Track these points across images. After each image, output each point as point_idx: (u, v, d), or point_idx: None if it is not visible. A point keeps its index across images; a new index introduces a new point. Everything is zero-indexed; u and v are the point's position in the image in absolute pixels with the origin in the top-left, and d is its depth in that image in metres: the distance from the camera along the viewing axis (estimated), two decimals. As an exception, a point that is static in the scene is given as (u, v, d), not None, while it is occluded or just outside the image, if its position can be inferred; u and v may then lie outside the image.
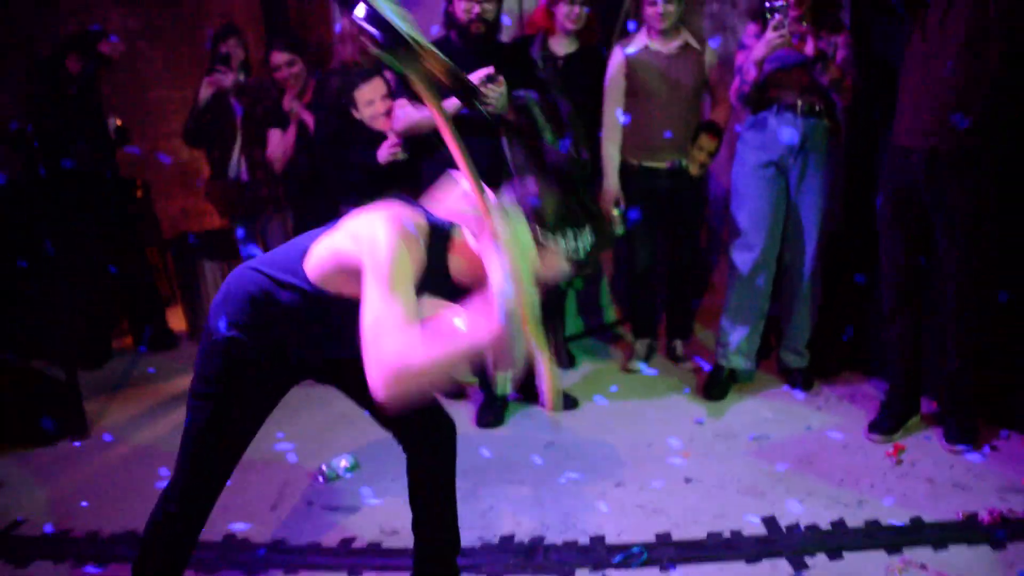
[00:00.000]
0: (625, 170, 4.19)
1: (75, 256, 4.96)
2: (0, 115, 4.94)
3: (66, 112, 4.76)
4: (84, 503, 3.53)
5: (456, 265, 2.10)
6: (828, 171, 3.86)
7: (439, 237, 2.07)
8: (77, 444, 4.10)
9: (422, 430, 2.43)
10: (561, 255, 2.02)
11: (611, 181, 4.17)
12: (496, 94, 3.45)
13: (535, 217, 2.00)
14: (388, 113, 3.96)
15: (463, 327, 1.81)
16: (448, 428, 2.49)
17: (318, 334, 2.23)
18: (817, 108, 3.77)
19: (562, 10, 4.08)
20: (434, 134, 3.64)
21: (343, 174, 4.09)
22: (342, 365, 2.36)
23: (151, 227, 5.78)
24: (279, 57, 4.45)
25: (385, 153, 3.90)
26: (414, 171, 3.94)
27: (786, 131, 3.77)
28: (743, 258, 3.95)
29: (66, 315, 4.39)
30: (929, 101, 3.18)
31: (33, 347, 4.26)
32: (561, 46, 4.16)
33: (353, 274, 1.97)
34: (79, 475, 3.80)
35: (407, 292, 1.88)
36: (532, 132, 3.58)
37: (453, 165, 3.49)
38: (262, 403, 2.33)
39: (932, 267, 3.40)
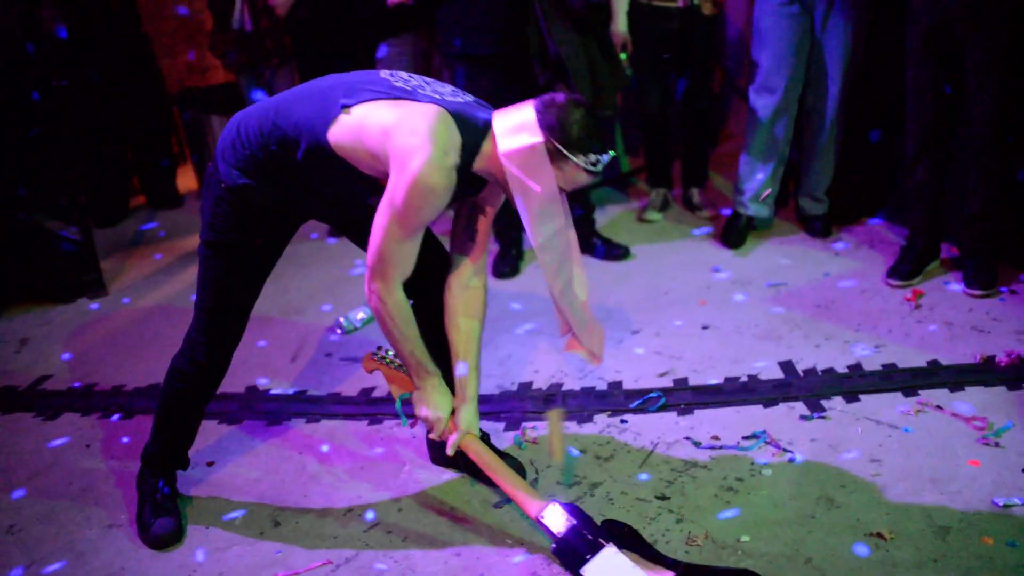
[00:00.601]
0: (635, 10, 4.04)
1: (86, 110, 4.89)
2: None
3: None
4: (106, 358, 3.58)
5: (480, 165, 2.10)
6: (855, 9, 3.70)
7: (469, 152, 2.06)
8: (95, 305, 4.13)
9: (424, 274, 2.39)
10: (582, 169, 2.04)
11: (619, 23, 4.03)
12: None
13: (560, 133, 2.01)
14: None
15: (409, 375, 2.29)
16: (446, 269, 2.41)
17: (328, 192, 2.22)
18: None
19: None
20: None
21: (349, 19, 3.96)
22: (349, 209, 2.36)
23: (156, 82, 5.65)
24: None
25: None
26: (424, 16, 3.80)
27: None
28: (764, 101, 3.84)
29: (79, 173, 4.34)
30: None
31: (49, 206, 4.23)
32: None
33: (376, 159, 2.04)
34: (100, 332, 3.85)
35: (417, 232, 2.05)
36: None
37: (464, 12, 3.37)
38: (271, 247, 2.33)
39: (958, 106, 3.29)
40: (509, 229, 3.99)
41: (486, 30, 3.55)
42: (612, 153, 2.11)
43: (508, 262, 3.97)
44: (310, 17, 4.32)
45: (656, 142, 4.42)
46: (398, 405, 2.40)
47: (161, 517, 2.45)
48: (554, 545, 2.13)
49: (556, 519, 2.12)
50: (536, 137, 2.02)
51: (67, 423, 3.13)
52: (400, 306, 2.14)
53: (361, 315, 3.63)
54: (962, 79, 3.21)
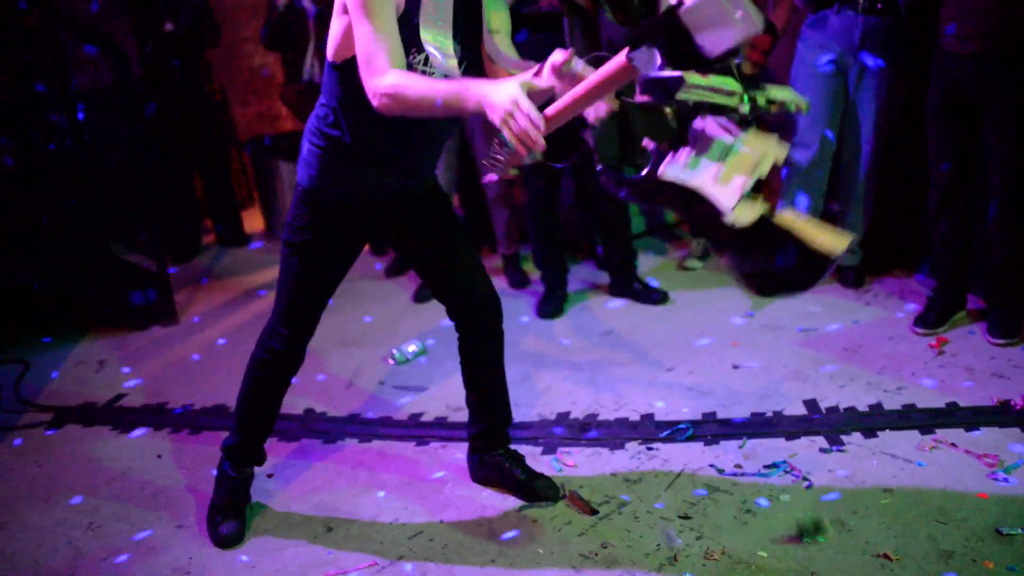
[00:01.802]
0: None
1: (163, 154, 5.26)
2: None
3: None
4: (177, 380, 3.87)
5: None
6: (889, 69, 3.90)
7: None
8: (167, 330, 4.44)
9: (470, 308, 2.66)
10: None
11: None
12: None
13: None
14: None
15: (455, 88, 2.00)
16: (494, 308, 2.68)
17: (382, 150, 2.34)
18: (878, 6, 3.80)
19: None
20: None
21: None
22: (411, 226, 2.55)
23: (229, 130, 6.04)
24: None
25: None
26: None
27: (846, 28, 3.82)
28: (800, 156, 4.04)
29: (158, 211, 4.68)
30: (972, 6, 3.23)
31: (129, 240, 4.59)
32: None
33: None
34: (171, 357, 4.14)
35: (383, 13, 2.07)
36: (593, 11, 3.70)
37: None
38: (344, 249, 2.53)
39: (980, 165, 3.47)
40: (555, 271, 4.22)
41: None
42: None
43: (553, 303, 4.19)
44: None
45: (697, 194, 4.63)
46: None
47: (229, 519, 2.70)
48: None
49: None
50: None
51: (141, 437, 3.41)
52: (403, 78, 2.05)
53: (412, 347, 3.88)
54: (981, 136, 3.40)
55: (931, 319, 3.67)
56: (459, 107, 2.02)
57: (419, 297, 4.49)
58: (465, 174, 4.81)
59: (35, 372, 4.08)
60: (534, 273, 4.52)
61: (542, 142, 1.96)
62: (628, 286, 4.27)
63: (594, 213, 4.25)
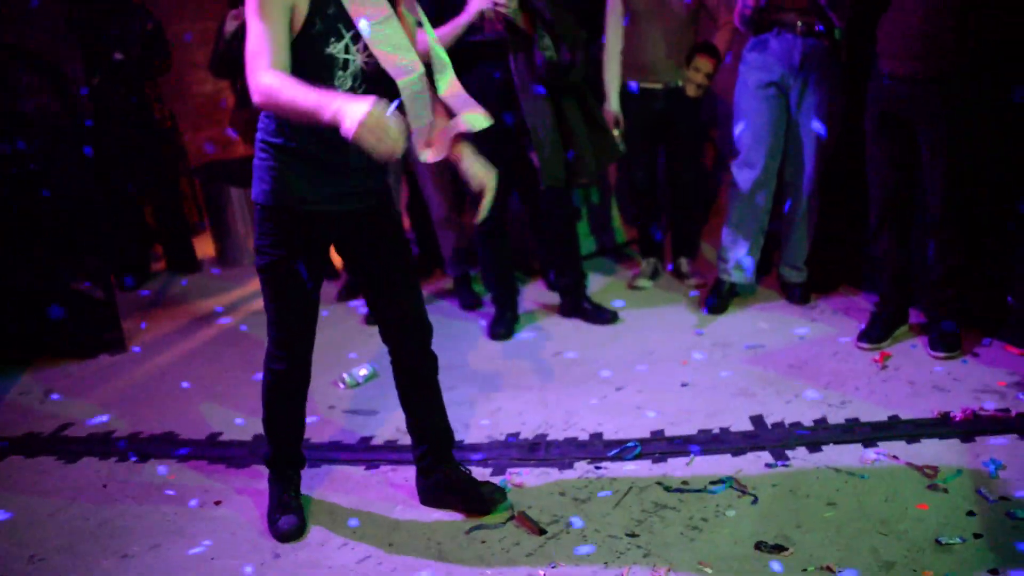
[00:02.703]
0: (623, 91, 4.37)
1: (111, 180, 5.22)
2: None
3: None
4: (124, 409, 3.82)
5: None
6: (828, 90, 3.99)
7: None
8: (115, 358, 4.39)
9: (400, 330, 2.72)
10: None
11: (612, 102, 4.36)
12: (510, 3, 3.69)
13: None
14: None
15: (319, 100, 2.15)
16: (422, 331, 2.73)
17: (312, 170, 2.44)
18: (817, 28, 3.89)
19: None
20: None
21: None
22: (360, 241, 2.61)
23: (179, 156, 5.99)
24: None
25: None
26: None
27: (786, 51, 3.90)
28: (744, 176, 4.11)
29: (105, 238, 4.63)
30: (905, 30, 3.33)
31: (75, 267, 4.52)
32: None
33: None
34: (119, 385, 4.09)
35: (273, 22, 2.22)
36: (530, 43, 3.77)
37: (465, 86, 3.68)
38: (310, 262, 2.55)
39: (916, 181, 3.56)
40: (505, 293, 4.24)
41: (482, 107, 3.86)
42: None
43: (504, 324, 4.21)
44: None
45: (647, 213, 4.69)
46: None
47: (288, 514, 2.79)
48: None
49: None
50: None
51: (86, 466, 3.36)
52: (277, 78, 2.20)
53: (363, 371, 3.87)
54: (917, 153, 3.49)
55: (875, 334, 3.74)
56: (317, 118, 2.16)
57: (370, 320, 4.48)
58: (413, 195, 4.83)
59: (-22, 403, 4.02)
60: (485, 295, 4.54)
61: (398, 152, 2.13)
62: (578, 306, 4.30)
63: (543, 234, 4.28)
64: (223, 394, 3.86)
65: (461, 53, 3.84)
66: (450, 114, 2.52)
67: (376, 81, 2.39)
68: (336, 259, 5.15)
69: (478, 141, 3.91)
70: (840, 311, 4.14)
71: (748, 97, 4.07)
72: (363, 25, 2.31)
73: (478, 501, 2.80)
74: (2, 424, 3.80)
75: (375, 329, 4.33)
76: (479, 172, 2.58)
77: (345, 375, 3.85)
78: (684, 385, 3.56)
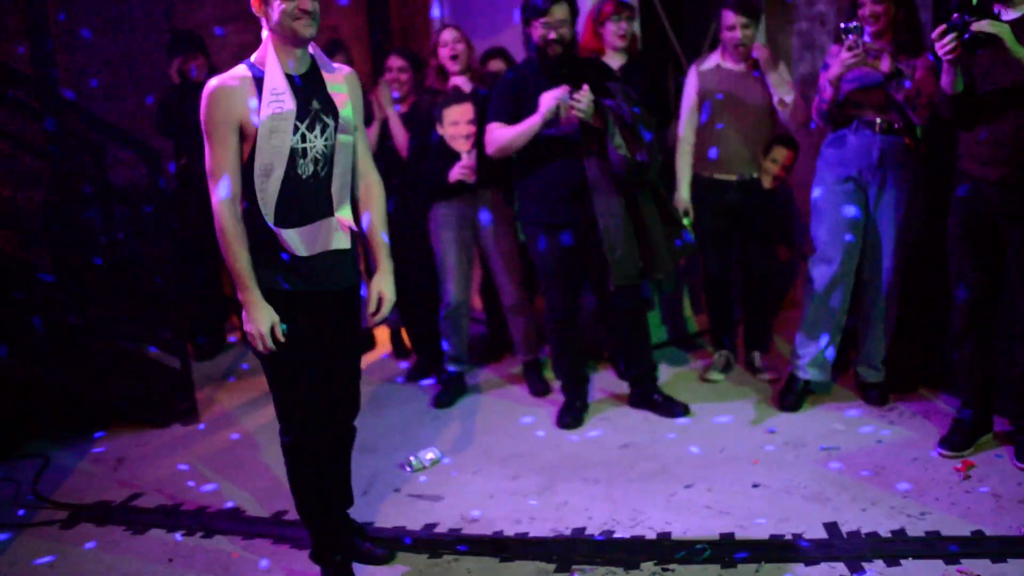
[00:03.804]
0: (696, 182, 4.40)
1: (191, 252, 5.37)
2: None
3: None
4: (192, 482, 3.86)
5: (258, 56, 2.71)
6: (907, 188, 3.94)
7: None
8: (187, 428, 4.46)
9: (335, 404, 2.93)
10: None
11: (682, 192, 4.38)
12: (584, 103, 3.72)
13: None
14: (468, 137, 4.22)
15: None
16: (350, 409, 3.00)
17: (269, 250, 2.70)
18: (896, 126, 3.86)
19: (610, 28, 4.41)
20: (519, 157, 3.96)
21: (418, 180, 4.39)
22: (327, 319, 2.83)
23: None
24: (396, 61, 4.71)
25: (456, 174, 4.21)
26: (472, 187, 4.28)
27: (864, 148, 3.88)
28: (820, 272, 4.06)
29: (183, 307, 4.74)
30: (995, 136, 3.28)
31: (153, 336, 4.65)
32: (614, 61, 4.38)
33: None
34: (189, 456, 4.14)
35: (219, 143, 2.60)
36: (603, 139, 3.82)
37: (540, 184, 3.85)
38: (302, 337, 2.75)
39: (1003, 286, 3.47)
40: (575, 382, 4.22)
41: (558, 201, 3.94)
42: None
43: (572, 414, 4.17)
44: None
45: (719, 305, 4.65)
46: None
47: None
48: None
49: None
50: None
51: (153, 538, 3.39)
52: (225, 219, 2.60)
53: (430, 455, 3.86)
54: (1002, 258, 3.40)
55: (956, 441, 3.61)
56: (236, 283, 2.64)
57: (438, 403, 4.49)
58: (485, 279, 4.86)
59: (54, 467, 4.10)
60: (555, 380, 4.51)
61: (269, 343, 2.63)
62: (648, 397, 4.25)
63: (614, 324, 4.27)
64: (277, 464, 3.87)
65: (535, 147, 3.91)
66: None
67: (332, 159, 2.73)
68: (406, 338, 5.20)
69: (550, 234, 3.99)
70: (920, 414, 4.01)
71: (825, 192, 4.04)
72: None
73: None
74: (75, 490, 3.88)
75: (444, 412, 4.41)
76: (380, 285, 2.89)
77: (412, 458, 3.85)
78: (755, 486, 3.47)
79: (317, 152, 2.69)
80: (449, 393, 4.53)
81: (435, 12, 4.37)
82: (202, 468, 4.00)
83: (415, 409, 4.49)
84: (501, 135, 3.95)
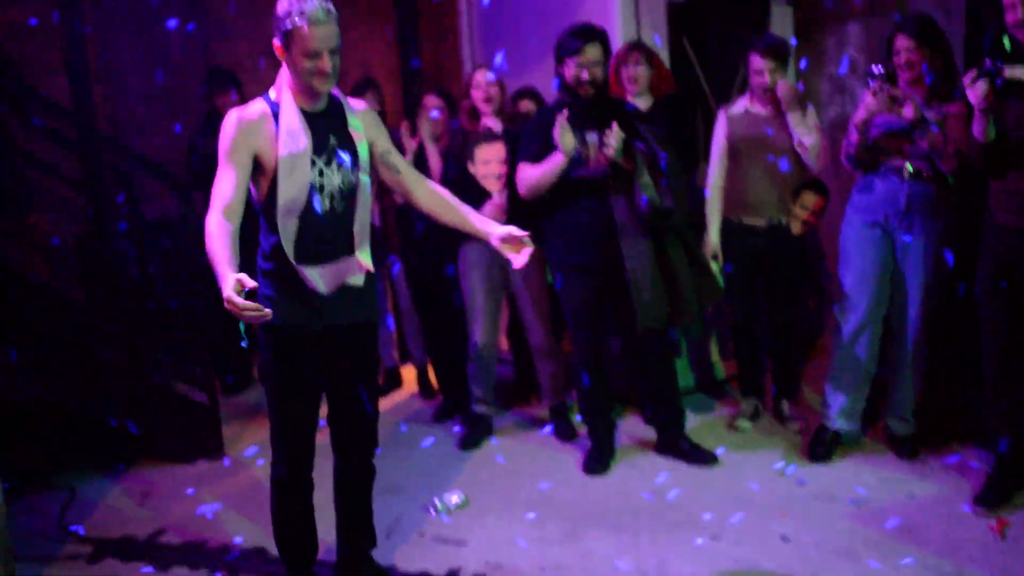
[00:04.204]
0: (725, 226, 4.39)
1: (218, 289, 5.39)
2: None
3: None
4: (218, 518, 3.86)
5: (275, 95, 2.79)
6: (935, 236, 3.90)
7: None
8: (212, 464, 4.46)
9: (352, 441, 3.01)
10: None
11: (711, 236, 4.38)
12: (614, 143, 3.74)
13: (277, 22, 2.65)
14: (499, 177, 4.24)
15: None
16: (367, 445, 3.04)
17: (288, 285, 2.77)
18: (924, 173, 3.84)
19: (623, 73, 4.46)
20: (547, 197, 3.97)
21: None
22: (338, 357, 2.90)
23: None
24: (432, 100, 4.75)
25: (486, 214, 4.21)
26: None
27: (891, 194, 3.86)
28: (846, 319, 4.03)
29: (212, 342, 4.76)
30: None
31: (181, 370, 4.67)
32: (640, 103, 4.40)
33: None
34: (215, 493, 4.14)
35: (230, 169, 2.63)
36: (632, 181, 3.81)
37: (565, 225, 3.86)
38: (303, 376, 2.85)
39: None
40: (602, 427, 4.19)
41: (585, 242, 3.94)
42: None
43: (599, 459, 4.14)
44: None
45: (746, 352, 4.62)
46: None
47: None
48: None
49: None
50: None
51: (177, 577, 3.39)
52: (213, 226, 2.58)
53: (455, 499, 3.84)
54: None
55: (991, 498, 3.55)
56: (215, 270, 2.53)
57: (464, 444, 4.47)
58: (512, 321, 4.85)
59: (80, 500, 4.11)
60: (582, 425, 4.48)
61: (261, 317, 2.40)
62: (676, 444, 4.21)
63: (641, 369, 4.24)
64: (318, 504, 3.86)
65: (564, 188, 3.92)
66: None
67: (350, 196, 2.77)
68: (433, 378, 5.19)
69: (578, 276, 3.98)
70: (952, 469, 3.94)
71: (852, 238, 4.02)
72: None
73: None
74: (101, 524, 3.89)
75: (470, 454, 4.39)
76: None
77: (437, 500, 3.83)
78: (784, 539, 3.43)
79: (334, 188, 2.74)
80: (475, 435, 4.51)
81: (497, 60, 4.44)
82: (227, 506, 3.99)
83: (441, 450, 4.47)
84: (530, 174, 3.97)
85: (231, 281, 2.39)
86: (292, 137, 2.66)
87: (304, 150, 2.67)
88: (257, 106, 2.73)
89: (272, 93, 2.76)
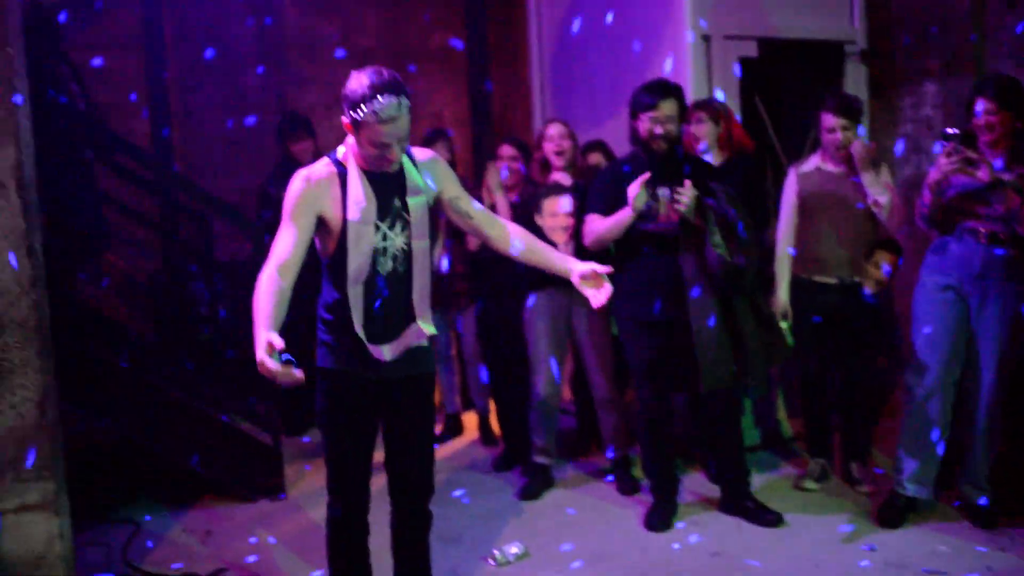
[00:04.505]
0: (796, 283, 4.33)
1: (284, 331, 5.46)
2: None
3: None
4: (278, 558, 3.86)
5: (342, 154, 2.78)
6: (1011, 299, 3.80)
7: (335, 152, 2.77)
8: (274, 504, 4.48)
9: (406, 486, 2.96)
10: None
11: (780, 294, 4.32)
12: (687, 199, 3.73)
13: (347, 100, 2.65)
14: (566, 229, 4.25)
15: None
16: (423, 494, 2.98)
17: (347, 337, 2.77)
18: (1001, 236, 3.75)
19: (688, 130, 4.45)
20: (615, 251, 3.97)
21: (516, 269, 4.41)
22: (395, 405, 2.90)
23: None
24: (507, 150, 4.81)
25: None
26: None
27: (966, 256, 3.78)
28: (918, 381, 3.93)
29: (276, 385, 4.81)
30: None
31: (246, 409, 4.73)
32: (711, 160, 4.38)
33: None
34: (275, 533, 4.15)
35: (290, 228, 2.65)
36: (702, 238, 3.79)
37: (632, 280, 3.85)
38: (358, 419, 2.86)
39: None
40: (665, 483, 4.12)
41: (652, 298, 3.91)
42: (396, 101, 2.56)
43: (661, 516, 4.07)
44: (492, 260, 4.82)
45: (815, 411, 4.52)
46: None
47: None
48: None
49: None
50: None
51: (236, 617, 3.39)
52: (263, 283, 2.58)
53: (515, 550, 3.79)
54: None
55: (1073, 574, 3.41)
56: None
57: (525, 495, 4.43)
58: (577, 371, 4.83)
59: (144, 535, 4.15)
60: (644, 479, 4.41)
61: (293, 381, 2.44)
62: (740, 503, 4.12)
63: (705, 427, 4.18)
64: (376, 551, 3.84)
65: (632, 241, 3.91)
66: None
67: (411, 258, 2.77)
68: (495, 427, 5.17)
69: (643, 331, 3.95)
70: (1031, 541, 3.80)
71: (926, 300, 3.95)
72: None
73: None
74: (163, 559, 3.92)
75: (530, 505, 4.34)
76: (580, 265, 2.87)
77: (496, 551, 3.79)
78: (854, 608, 3.32)
79: (397, 250, 2.75)
80: (536, 485, 4.47)
81: (571, 109, 4.49)
82: (286, 546, 4.00)
83: (500, 500, 4.44)
84: (597, 226, 3.97)
85: (264, 343, 2.43)
86: (358, 206, 2.67)
87: (369, 219, 2.68)
88: (324, 167, 2.74)
89: (340, 151, 2.77)
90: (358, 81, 2.60)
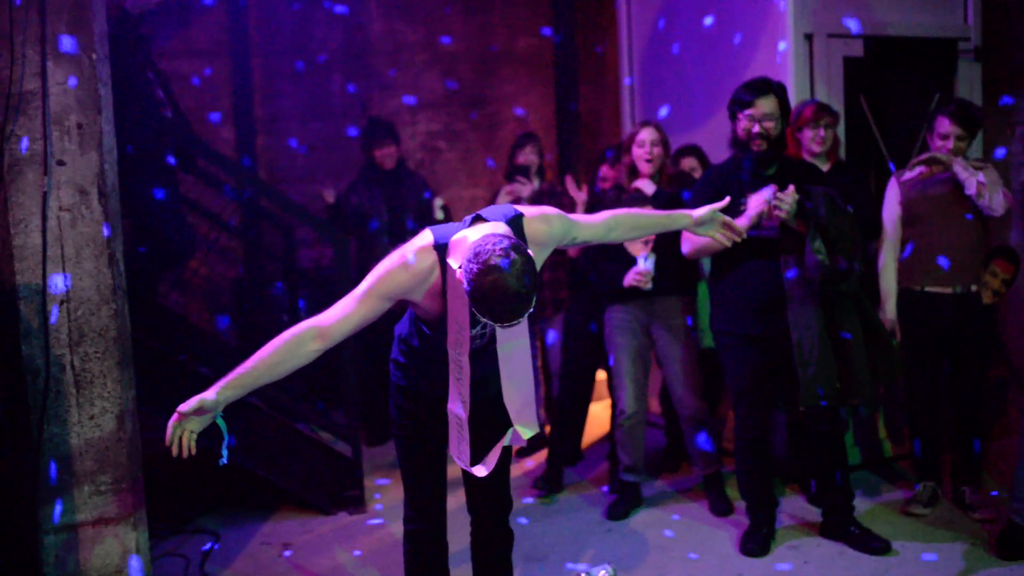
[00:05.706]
0: (907, 295, 4.10)
1: (369, 340, 5.39)
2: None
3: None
4: (353, 571, 3.76)
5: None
6: None
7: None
8: (353, 517, 4.38)
9: (484, 503, 2.87)
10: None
11: (888, 309, 4.10)
12: (788, 203, 3.54)
13: (471, 291, 2.25)
14: (646, 243, 4.07)
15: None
16: (501, 510, 2.89)
17: (434, 371, 2.66)
18: None
19: (807, 134, 4.23)
20: (714, 259, 3.77)
21: (598, 280, 4.25)
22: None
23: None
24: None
25: (630, 279, 4.09)
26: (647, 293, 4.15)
27: None
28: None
29: (358, 394, 4.72)
30: None
31: (326, 421, 4.64)
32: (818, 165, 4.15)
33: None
34: (354, 547, 4.06)
35: (359, 306, 2.42)
36: (803, 244, 3.56)
37: (732, 292, 3.65)
38: (432, 434, 2.77)
39: None
40: (763, 505, 3.89)
41: (752, 310, 3.70)
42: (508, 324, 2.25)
43: (757, 540, 3.83)
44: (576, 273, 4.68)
45: (926, 431, 4.22)
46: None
47: None
48: None
49: None
50: (458, 267, 2.32)
51: (314, 636, 3.28)
52: (287, 334, 2.42)
53: (603, 573, 3.61)
54: None
55: None
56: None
57: (612, 514, 4.24)
58: (664, 386, 4.63)
59: (223, 547, 4.09)
60: (739, 500, 4.17)
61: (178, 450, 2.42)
62: (844, 528, 3.86)
63: (807, 445, 3.93)
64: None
65: (731, 248, 3.70)
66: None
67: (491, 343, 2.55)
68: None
69: (743, 346, 3.73)
70: None
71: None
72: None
73: None
74: (240, 572, 3.86)
75: (618, 524, 4.16)
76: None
77: (583, 574, 3.61)
78: (973, 648, 3.05)
79: (476, 336, 2.53)
80: (624, 504, 4.27)
81: (662, 113, 4.31)
82: (365, 560, 3.90)
83: (588, 518, 4.26)
84: (696, 239, 3.76)
85: (195, 401, 2.37)
86: (461, 331, 2.41)
87: (466, 338, 2.42)
88: (430, 264, 2.45)
89: (455, 264, 2.37)
90: (492, 290, 2.21)
